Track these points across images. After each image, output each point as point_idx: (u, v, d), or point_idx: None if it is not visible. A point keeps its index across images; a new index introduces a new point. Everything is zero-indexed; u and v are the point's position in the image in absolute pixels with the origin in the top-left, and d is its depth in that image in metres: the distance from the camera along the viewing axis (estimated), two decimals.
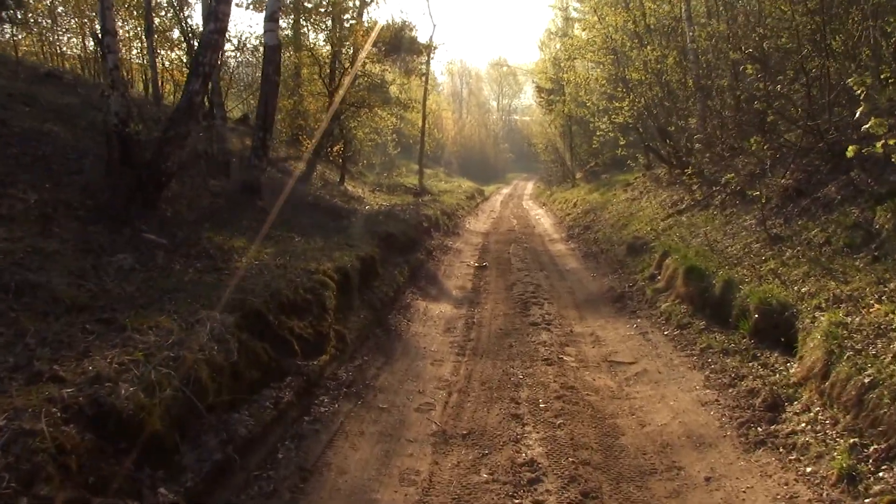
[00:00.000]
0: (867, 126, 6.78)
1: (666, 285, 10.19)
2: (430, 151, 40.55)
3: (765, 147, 12.30)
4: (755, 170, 13.83)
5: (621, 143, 20.90)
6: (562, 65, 30.58)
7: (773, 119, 12.27)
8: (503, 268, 13.96)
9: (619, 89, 19.33)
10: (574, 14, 42.05)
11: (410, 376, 7.35)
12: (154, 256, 7.84)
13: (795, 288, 7.71)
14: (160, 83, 19.75)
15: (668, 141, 18.34)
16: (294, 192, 17.46)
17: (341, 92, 24.57)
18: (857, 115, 6.93)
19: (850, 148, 7.00)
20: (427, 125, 32.63)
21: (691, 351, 7.81)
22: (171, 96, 20.30)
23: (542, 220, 24.05)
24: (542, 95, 34.64)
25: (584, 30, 28.27)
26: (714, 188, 15.24)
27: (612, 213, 18.45)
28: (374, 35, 23.96)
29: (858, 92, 6.93)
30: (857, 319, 6.28)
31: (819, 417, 5.53)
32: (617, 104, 21.44)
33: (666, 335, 8.57)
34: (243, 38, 29.02)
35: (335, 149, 23.27)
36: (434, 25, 39.07)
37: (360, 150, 28.53)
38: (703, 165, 18.10)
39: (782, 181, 11.81)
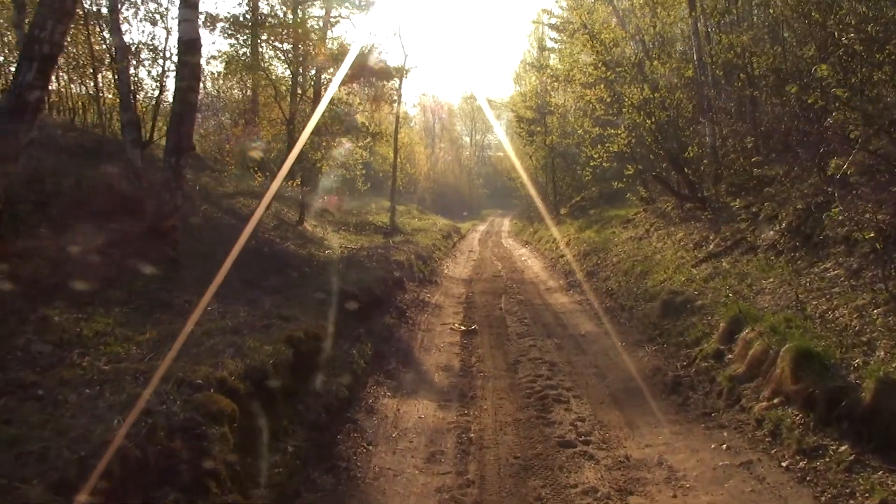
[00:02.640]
0: None
1: (748, 371, 6.78)
2: (403, 187, 37.22)
3: (848, 171, 9.11)
4: (813, 201, 10.64)
5: (628, 172, 17.64)
6: (549, 87, 27.61)
7: (857, 133, 9.01)
8: (497, 332, 10.51)
9: (624, 110, 16.13)
10: (550, 44, 39.87)
11: None
12: None
13: None
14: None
15: (685, 170, 15.14)
16: (234, 236, 13.99)
17: (305, 120, 21.44)
18: None
19: None
20: (399, 159, 29.39)
21: None
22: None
23: (530, 262, 20.62)
24: (522, 126, 31.52)
25: (563, 59, 25.51)
26: (752, 226, 12.05)
27: (619, 255, 15.10)
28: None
29: None
30: None
31: None
32: (612, 130, 18.34)
33: (787, 468, 5.14)
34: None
35: (292, 184, 19.72)
36: (406, 55, 36.04)
37: (324, 185, 25.06)
38: (719, 197, 15.01)
39: (869, 216, 8.60)
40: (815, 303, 7.67)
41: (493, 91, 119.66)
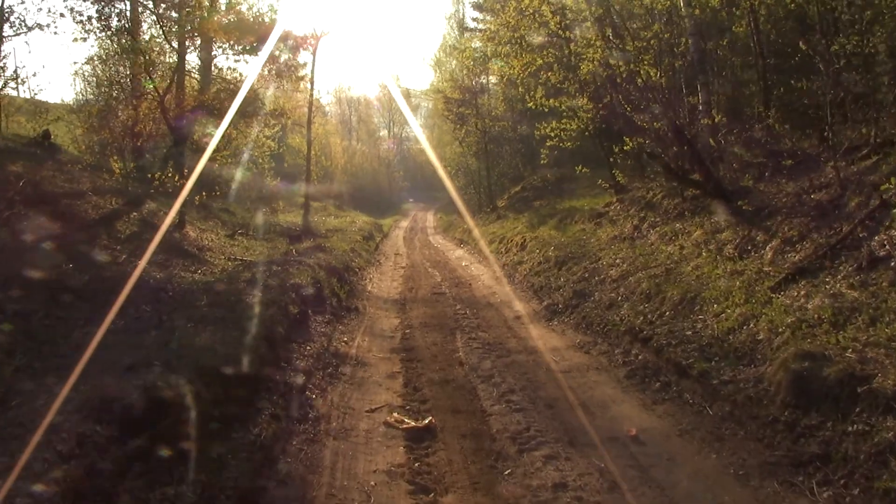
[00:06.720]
0: None
1: None
2: (318, 182, 31.72)
3: None
4: None
5: (626, 146, 12.70)
6: (488, 53, 22.75)
7: None
8: (472, 429, 5.48)
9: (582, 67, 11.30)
10: (471, 24, 36.05)
11: None
12: None
13: None
14: None
15: (696, 145, 10.50)
16: (37, 258, 8.49)
17: (189, 97, 16.25)
18: None
19: None
20: (314, 152, 24.08)
21: None
22: None
23: (475, 269, 15.54)
24: (451, 108, 26.52)
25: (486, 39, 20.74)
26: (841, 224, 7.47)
27: (618, 266, 10.23)
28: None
29: None
30: None
31: None
32: (575, 101, 13.67)
33: None
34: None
35: (159, 177, 13.87)
36: (318, 33, 30.54)
37: (222, 180, 19.19)
38: (738, 180, 10.64)
39: None
40: None
41: (412, 81, 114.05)
